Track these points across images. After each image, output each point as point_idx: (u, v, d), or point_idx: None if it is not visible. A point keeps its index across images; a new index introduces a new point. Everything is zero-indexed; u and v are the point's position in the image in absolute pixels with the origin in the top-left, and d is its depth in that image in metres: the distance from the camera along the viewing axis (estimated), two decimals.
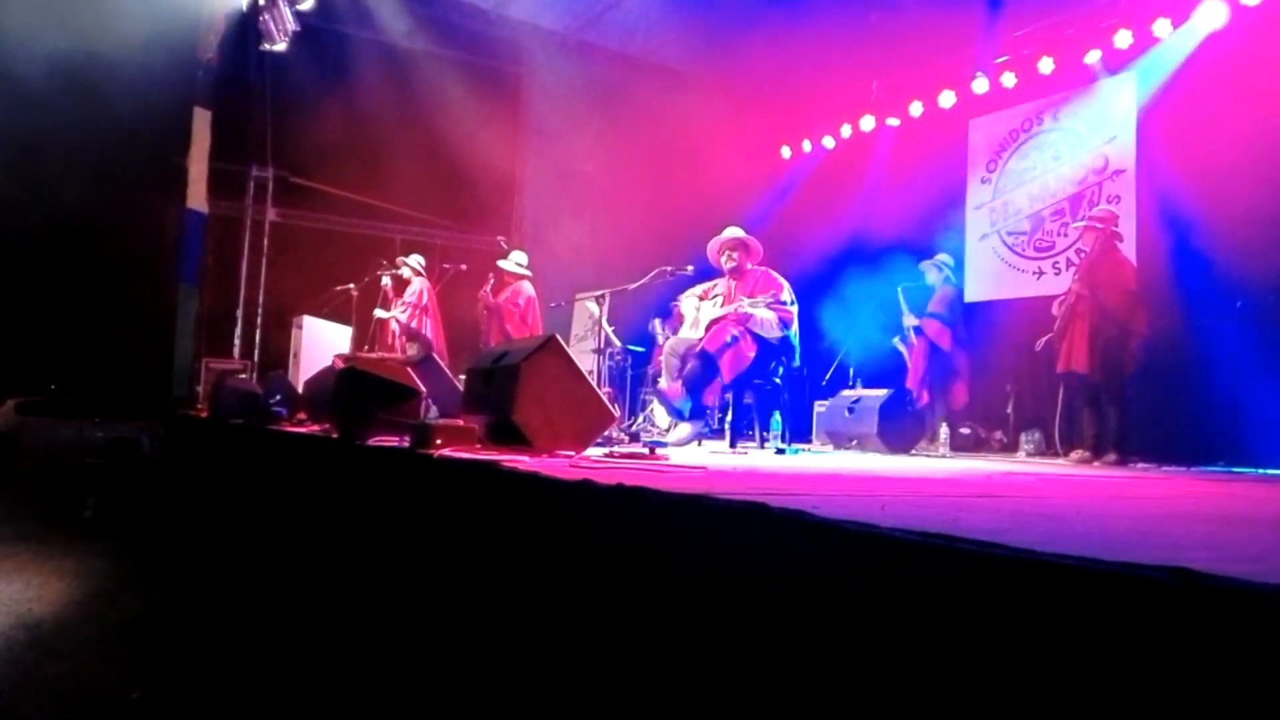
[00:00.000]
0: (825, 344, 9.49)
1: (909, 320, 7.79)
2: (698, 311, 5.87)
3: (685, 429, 5.46)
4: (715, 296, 5.81)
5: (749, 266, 5.83)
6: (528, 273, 8.04)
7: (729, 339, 5.31)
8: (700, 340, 5.48)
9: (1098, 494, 2.84)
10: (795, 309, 5.68)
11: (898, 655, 1.24)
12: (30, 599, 4.52)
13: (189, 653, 3.73)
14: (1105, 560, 1.07)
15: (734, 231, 5.91)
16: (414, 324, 8.38)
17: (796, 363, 5.95)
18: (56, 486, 10.05)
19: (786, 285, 5.69)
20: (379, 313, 8.75)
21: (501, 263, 8.09)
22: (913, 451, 6.96)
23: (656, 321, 8.96)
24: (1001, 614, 1.13)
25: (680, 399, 5.43)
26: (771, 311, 5.45)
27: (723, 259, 5.89)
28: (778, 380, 5.87)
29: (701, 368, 5.31)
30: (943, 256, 7.84)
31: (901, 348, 7.84)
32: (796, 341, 5.75)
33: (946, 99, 9.42)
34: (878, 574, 1.31)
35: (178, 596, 4.85)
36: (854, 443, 7.25)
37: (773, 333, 5.42)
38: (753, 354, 5.40)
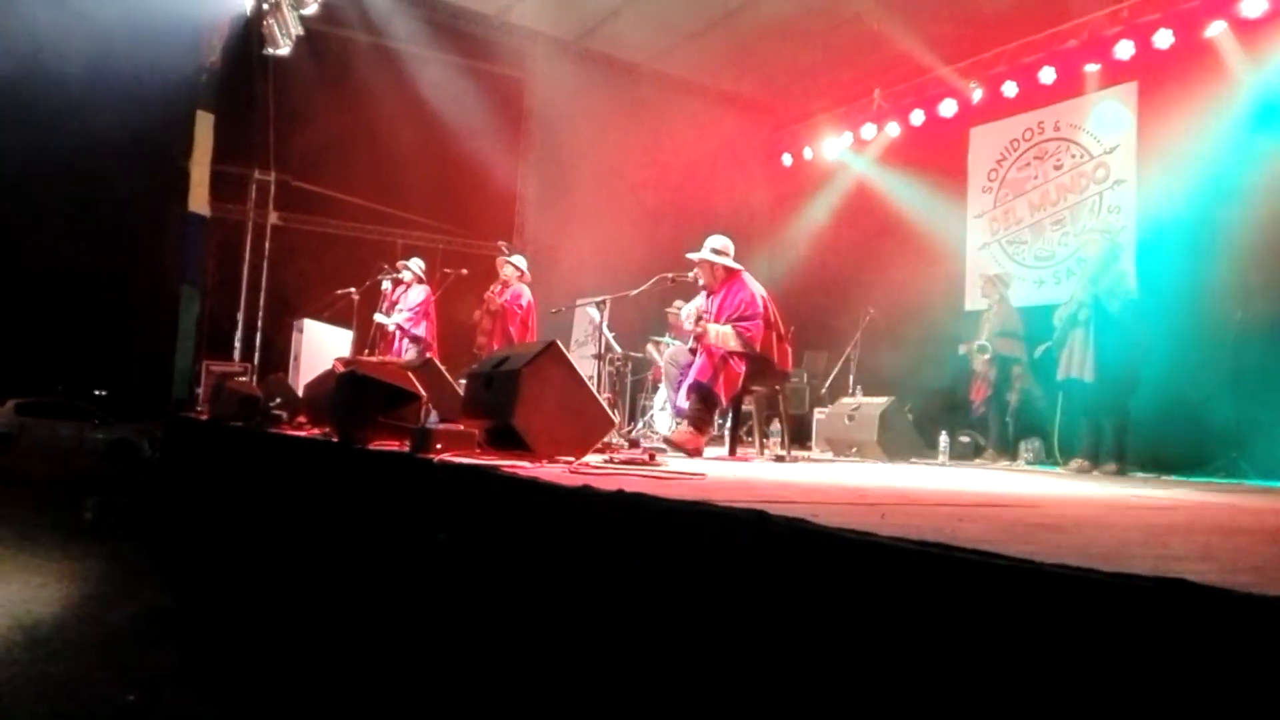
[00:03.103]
0: (829, 352, 9.50)
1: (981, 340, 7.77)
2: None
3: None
4: (706, 312, 5.68)
5: (721, 280, 5.53)
6: (528, 275, 8.06)
7: (717, 362, 5.25)
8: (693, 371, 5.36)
9: (1096, 504, 2.84)
10: (768, 317, 5.37)
11: (896, 664, 1.25)
12: (29, 600, 4.53)
13: (187, 655, 3.74)
14: (1103, 571, 1.07)
15: (698, 253, 5.58)
16: (416, 329, 8.40)
17: (789, 368, 5.81)
18: (56, 488, 10.05)
19: (756, 297, 5.41)
20: (378, 317, 8.76)
21: (500, 261, 8.09)
22: (912, 460, 6.96)
23: (650, 344, 8.92)
24: (999, 624, 1.13)
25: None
26: (732, 330, 5.32)
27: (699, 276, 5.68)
28: (776, 387, 5.86)
29: (703, 402, 5.26)
30: (997, 272, 7.92)
31: (978, 360, 7.79)
32: (772, 350, 5.45)
33: (948, 108, 9.44)
34: (876, 583, 1.32)
35: (176, 599, 4.85)
36: (854, 450, 7.26)
37: (750, 349, 5.31)
38: (743, 368, 5.34)
